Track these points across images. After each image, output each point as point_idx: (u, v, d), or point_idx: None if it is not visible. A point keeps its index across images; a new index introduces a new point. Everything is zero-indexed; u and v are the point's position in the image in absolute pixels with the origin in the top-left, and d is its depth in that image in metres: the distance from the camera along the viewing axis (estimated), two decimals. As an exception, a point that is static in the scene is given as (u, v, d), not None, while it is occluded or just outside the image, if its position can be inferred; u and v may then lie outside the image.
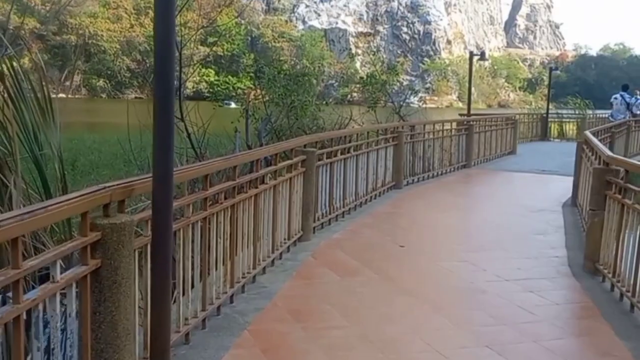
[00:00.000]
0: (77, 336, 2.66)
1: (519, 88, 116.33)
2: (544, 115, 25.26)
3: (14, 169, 4.09)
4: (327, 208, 7.84)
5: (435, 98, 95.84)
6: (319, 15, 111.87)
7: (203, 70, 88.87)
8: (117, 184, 2.92)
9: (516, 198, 10.82)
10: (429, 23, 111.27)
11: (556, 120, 26.33)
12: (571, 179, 12.28)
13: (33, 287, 2.74)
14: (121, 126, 9.34)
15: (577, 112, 27.60)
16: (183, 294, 3.93)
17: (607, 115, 23.51)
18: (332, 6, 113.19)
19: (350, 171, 8.66)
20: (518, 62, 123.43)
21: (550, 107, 27.40)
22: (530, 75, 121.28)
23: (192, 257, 4.08)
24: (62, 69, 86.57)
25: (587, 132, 9.46)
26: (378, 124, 14.08)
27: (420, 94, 22.18)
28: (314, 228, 7.34)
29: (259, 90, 13.03)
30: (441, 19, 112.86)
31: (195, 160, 7.25)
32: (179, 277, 3.88)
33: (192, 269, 4.09)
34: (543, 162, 15.63)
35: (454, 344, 4.27)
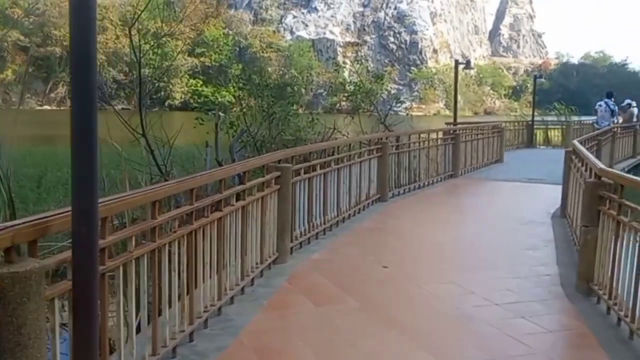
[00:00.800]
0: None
1: (504, 95, 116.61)
2: (530, 122, 25.11)
3: None
4: (305, 226, 7.35)
5: (423, 106, 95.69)
6: (307, 25, 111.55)
7: (191, 81, 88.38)
8: (24, 222, 2.40)
9: (504, 209, 10.42)
10: (416, 33, 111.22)
11: (541, 127, 26.19)
12: (559, 187, 12.01)
13: None
14: (103, 138, 8.87)
15: (561, 118, 27.64)
16: (126, 341, 3.41)
17: (592, 122, 23.54)
18: (319, 17, 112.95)
19: (331, 185, 8.17)
20: (503, 71, 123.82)
21: (535, 114, 27.30)
22: (514, 83, 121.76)
23: (138, 296, 3.58)
24: (46, 80, 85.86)
25: (576, 142, 9.03)
26: (363, 134, 13.67)
27: (406, 103, 21.82)
28: (292, 248, 6.84)
29: (244, 102, 12.58)
30: (427, 29, 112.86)
31: (161, 179, 6.73)
32: (119, 323, 3.35)
33: (138, 311, 3.58)
34: (530, 170, 15.38)
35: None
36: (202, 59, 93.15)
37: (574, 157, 8.74)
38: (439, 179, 13.17)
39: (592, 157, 6.73)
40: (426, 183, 12.52)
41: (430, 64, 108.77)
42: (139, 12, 7.98)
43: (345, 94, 18.05)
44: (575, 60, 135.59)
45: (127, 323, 3.47)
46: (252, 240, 5.65)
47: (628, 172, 13.13)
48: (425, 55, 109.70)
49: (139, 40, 8.12)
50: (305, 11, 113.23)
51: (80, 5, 2.28)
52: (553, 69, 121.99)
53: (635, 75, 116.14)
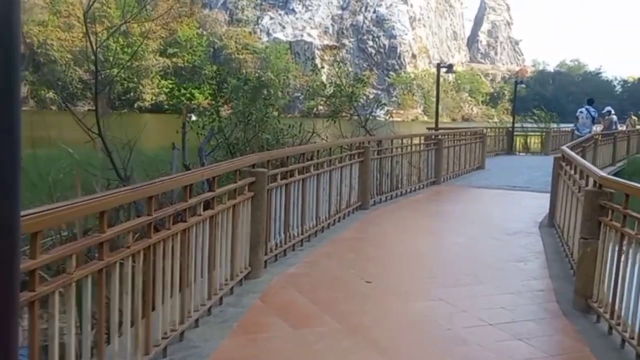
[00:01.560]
0: None
1: (482, 102, 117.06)
2: (510, 129, 24.94)
3: None
4: (281, 237, 6.78)
5: (401, 112, 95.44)
6: (284, 27, 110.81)
7: (162, 81, 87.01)
8: None
9: (490, 218, 9.94)
10: (394, 37, 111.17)
11: (521, 134, 26.05)
12: (544, 195, 11.66)
13: None
14: (66, 141, 8.25)
15: (540, 125, 27.61)
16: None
17: (570, 129, 23.62)
18: (297, 19, 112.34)
19: (310, 192, 7.62)
20: (480, 77, 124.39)
21: (516, 120, 27.21)
22: (492, 90, 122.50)
23: (80, 326, 2.99)
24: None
25: (566, 149, 8.61)
26: (343, 138, 13.15)
27: (386, 107, 21.35)
28: (266, 261, 6.27)
29: (218, 101, 11.97)
30: (406, 34, 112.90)
31: (120, 184, 6.10)
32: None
33: (79, 344, 2.99)
34: (512, 177, 15.11)
35: None
36: (174, 59, 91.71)
37: (563, 163, 8.36)
38: (421, 186, 12.70)
39: (590, 164, 6.29)
40: (408, 190, 12.04)
41: (409, 69, 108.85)
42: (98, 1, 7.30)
43: (324, 97, 17.51)
44: (551, 68, 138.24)
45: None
46: (222, 254, 5.07)
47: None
48: (404, 60, 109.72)
49: (95, 37, 7.47)
50: (282, 12, 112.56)
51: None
52: (530, 76, 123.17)
53: (609, 84, 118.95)
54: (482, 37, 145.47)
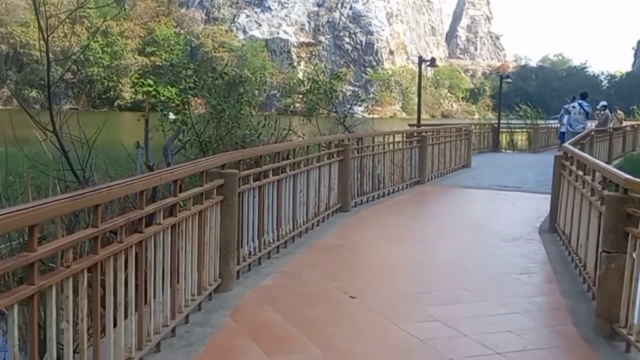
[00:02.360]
0: None
1: (462, 98, 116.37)
2: (496, 125, 24.37)
3: None
4: (255, 244, 6.18)
5: (379, 108, 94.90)
6: (260, 25, 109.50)
7: (141, 80, 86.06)
8: None
9: (483, 222, 9.28)
10: (371, 33, 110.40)
11: (506, 130, 25.53)
12: (538, 196, 11.33)
13: None
14: (26, 139, 7.54)
15: (527, 121, 27.08)
16: None
17: (557, 125, 23.01)
18: (273, 16, 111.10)
19: (286, 195, 7.02)
20: (460, 73, 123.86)
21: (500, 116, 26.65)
22: (472, 86, 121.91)
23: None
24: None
25: (572, 147, 7.95)
26: (321, 135, 12.52)
27: (365, 104, 20.83)
28: (239, 272, 5.65)
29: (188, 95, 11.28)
30: (383, 30, 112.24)
31: (78, 186, 5.44)
32: None
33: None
34: (501, 177, 14.50)
35: None
36: (152, 58, 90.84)
37: (567, 163, 7.59)
38: (405, 186, 12.08)
39: (610, 166, 5.63)
40: (391, 190, 11.42)
41: (387, 65, 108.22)
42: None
43: (301, 94, 16.88)
44: (533, 63, 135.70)
45: None
46: (187, 267, 4.46)
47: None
48: (381, 56, 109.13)
49: (46, 23, 6.76)
50: (258, 10, 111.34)
51: None
52: (511, 71, 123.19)
53: (595, 79, 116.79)
54: (462, 33, 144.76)
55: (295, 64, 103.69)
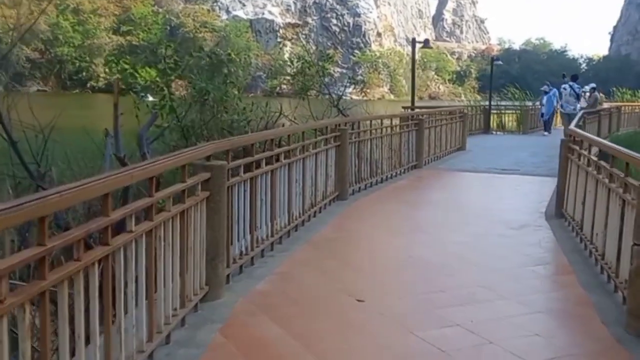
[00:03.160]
0: None
1: (449, 80, 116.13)
2: (487, 107, 24.01)
3: None
4: (247, 242, 5.47)
5: (367, 90, 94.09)
6: (244, 5, 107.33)
7: (114, 58, 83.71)
8: None
9: (487, 208, 8.71)
10: (359, 15, 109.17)
11: (496, 112, 25.20)
12: (537, 179, 11.11)
13: None
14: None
15: (515, 103, 27.02)
16: None
17: (538, 106, 24.05)
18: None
19: (280, 186, 6.31)
20: (447, 55, 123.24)
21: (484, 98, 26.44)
22: (458, 68, 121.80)
23: None
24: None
25: (579, 130, 7.49)
26: (314, 119, 11.80)
27: (360, 85, 20.18)
28: (229, 276, 4.94)
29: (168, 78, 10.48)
30: (371, 12, 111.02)
31: (33, 184, 4.64)
32: None
33: None
34: (497, 159, 14.05)
35: None
36: (128, 37, 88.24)
37: (575, 146, 7.24)
38: (403, 171, 11.42)
39: (630, 151, 5.06)
40: (389, 176, 10.77)
41: (374, 47, 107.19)
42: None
43: (289, 76, 16.10)
44: (517, 46, 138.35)
45: None
46: (167, 278, 3.75)
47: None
48: (368, 38, 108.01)
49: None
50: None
51: None
52: (496, 54, 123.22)
53: (574, 62, 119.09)
54: (448, 16, 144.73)
55: (281, 45, 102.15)
